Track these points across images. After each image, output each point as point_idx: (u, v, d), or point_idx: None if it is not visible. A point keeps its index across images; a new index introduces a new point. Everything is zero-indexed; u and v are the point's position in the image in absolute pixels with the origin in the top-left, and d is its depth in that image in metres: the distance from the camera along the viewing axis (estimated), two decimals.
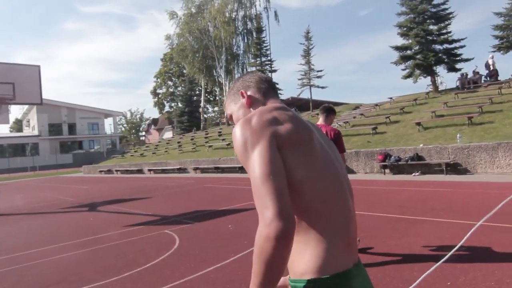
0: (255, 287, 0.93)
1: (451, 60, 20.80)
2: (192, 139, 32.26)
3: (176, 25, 37.33)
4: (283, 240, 0.86)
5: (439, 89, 21.93)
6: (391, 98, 23.76)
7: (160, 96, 66.19)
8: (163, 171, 24.00)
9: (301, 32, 59.03)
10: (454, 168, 11.11)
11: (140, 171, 26.62)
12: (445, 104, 16.76)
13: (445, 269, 3.57)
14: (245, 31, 36.14)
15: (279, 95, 1.33)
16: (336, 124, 18.77)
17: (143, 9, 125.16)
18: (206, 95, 47.52)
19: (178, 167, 22.67)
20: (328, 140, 1.22)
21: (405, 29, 21.50)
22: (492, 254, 3.96)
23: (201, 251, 4.99)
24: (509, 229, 4.81)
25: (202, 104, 43.12)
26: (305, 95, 31.42)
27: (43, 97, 12.90)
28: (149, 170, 25.39)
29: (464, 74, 21.04)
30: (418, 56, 20.85)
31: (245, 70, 36.48)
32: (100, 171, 31.73)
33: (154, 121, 69.09)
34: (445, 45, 20.98)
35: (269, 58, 35.09)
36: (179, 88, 59.93)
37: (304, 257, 0.99)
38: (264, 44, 35.18)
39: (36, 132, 52.94)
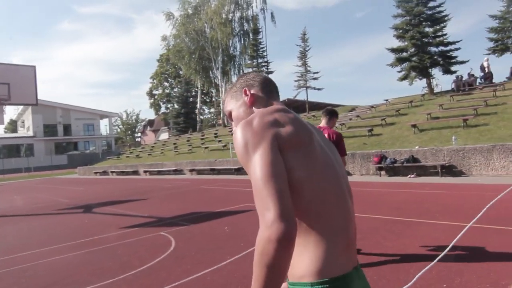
0: None
1: (447, 62, 20.95)
2: (188, 141, 32.21)
3: (172, 26, 37.40)
4: (285, 242, 0.85)
5: (434, 91, 22.09)
6: (387, 100, 23.90)
7: (156, 97, 66.03)
8: (159, 172, 23.93)
9: (298, 33, 59.16)
10: (449, 170, 11.16)
11: (135, 173, 26.53)
12: (440, 106, 16.85)
13: (441, 270, 3.58)
14: (241, 32, 36.21)
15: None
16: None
17: (139, 10, 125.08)
18: (202, 96, 47.47)
19: (174, 168, 22.62)
20: (328, 142, 1.22)
21: (401, 31, 21.62)
22: (487, 255, 3.98)
23: (197, 253, 4.97)
24: (505, 231, 4.83)
25: (198, 106, 43.09)
26: (302, 96, 31.47)
27: (38, 97, 12.84)
28: (145, 171, 25.30)
29: (459, 76, 21.22)
30: (413, 58, 20.97)
31: (241, 71, 36.50)
32: (96, 173, 31.59)
33: (150, 122, 68.89)
34: (441, 48, 21.13)
35: (265, 59, 35.19)
36: (175, 89, 59.80)
37: (304, 259, 0.99)
38: (261, 46, 35.27)
39: (31, 133, 52.65)
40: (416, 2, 20.92)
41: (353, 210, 1.13)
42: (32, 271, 4.79)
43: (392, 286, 3.33)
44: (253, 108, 1.24)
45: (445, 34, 20.98)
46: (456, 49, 20.92)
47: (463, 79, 21.03)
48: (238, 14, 35.78)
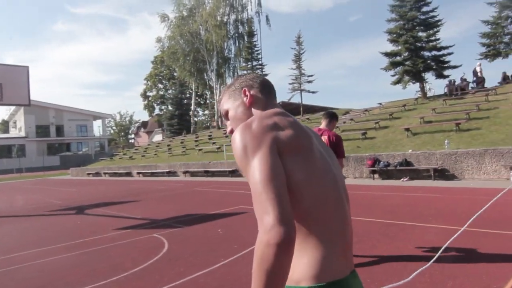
0: None
1: (440, 67, 21.11)
2: (182, 142, 32.12)
3: (167, 28, 37.26)
4: (284, 246, 0.84)
5: (427, 96, 22.24)
6: (380, 103, 24.01)
7: (150, 98, 65.85)
8: (152, 174, 23.82)
9: (292, 36, 59.31)
10: (442, 173, 11.24)
11: (129, 174, 26.39)
12: (433, 110, 16.98)
13: (434, 274, 3.60)
14: (236, 35, 36.19)
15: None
16: None
17: (133, 11, 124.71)
18: (197, 98, 47.38)
19: (167, 170, 22.53)
20: (326, 146, 1.21)
21: (394, 35, 21.76)
22: (480, 259, 4.01)
23: (190, 255, 4.95)
24: (497, 234, 4.87)
25: (192, 107, 42.94)
26: (296, 99, 31.50)
27: (31, 98, 12.73)
28: (138, 173, 25.18)
29: (452, 81, 21.40)
30: (407, 63, 21.11)
31: (236, 74, 36.49)
32: (88, 174, 31.37)
33: (144, 124, 68.62)
34: (434, 52, 21.29)
35: (260, 62, 35.20)
36: (170, 91, 59.68)
37: (301, 263, 0.98)
38: (256, 48, 35.29)
39: (23, 134, 52.16)
40: (409, 7, 21.08)
41: (350, 214, 1.13)
42: (22, 273, 4.73)
43: None
44: (252, 109, 1.23)
45: (438, 39, 21.16)
46: (449, 54, 21.11)
47: (456, 83, 21.22)
48: (233, 17, 35.80)
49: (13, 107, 51.18)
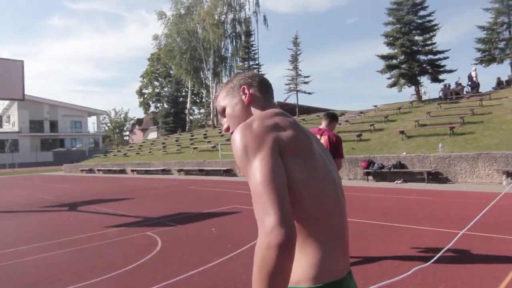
0: None
1: (435, 71, 21.26)
2: (177, 141, 32.03)
3: (164, 26, 37.15)
4: (286, 247, 0.83)
5: (422, 99, 22.39)
6: (376, 106, 24.13)
7: (145, 96, 65.59)
8: (147, 171, 23.74)
9: (289, 37, 59.47)
10: (435, 177, 11.32)
11: (123, 171, 26.27)
12: (428, 114, 17.09)
13: (426, 276, 3.62)
14: (233, 34, 36.17)
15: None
16: None
17: (131, 8, 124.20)
18: (193, 96, 47.28)
19: (162, 168, 22.47)
20: (324, 148, 1.22)
21: (391, 38, 21.88)
22: (471, 262, 4.04)
23: (184, 254, 4.94)
24: (488, 238, 4.91)
25: (188, 106, 42.85)
26: (292, 100, 31.56)
27: (26, 93, 12.64)
28: (132, 170, 25.07)
29: (447, 85, 21.56)
30: (403, 66, 21.24)
31: (232, 73, 36.45)
32: (82, 170, 31.18)
33: (139, 121, 68.37)
34: (430, 56, 21.43)
35: (257, 62, 35.28)
36: (165, 89, 59.53)
37: (301, 264, 0.99)
38: (253, 48, 35.35)
39: (16, 129, 51.79)
40: (406, 11, 21.22)
41: (346, 216, 1.14)
42: (14, 269, 4.70)
43: None
44: (250, 107, 1.22)
45: (434, 43, 21.30)
46: (445, 58, 21.26)
47: (451, 87, 21.38)
48: (230, 16, 35.77)
49: (6, 102, 50.82)
